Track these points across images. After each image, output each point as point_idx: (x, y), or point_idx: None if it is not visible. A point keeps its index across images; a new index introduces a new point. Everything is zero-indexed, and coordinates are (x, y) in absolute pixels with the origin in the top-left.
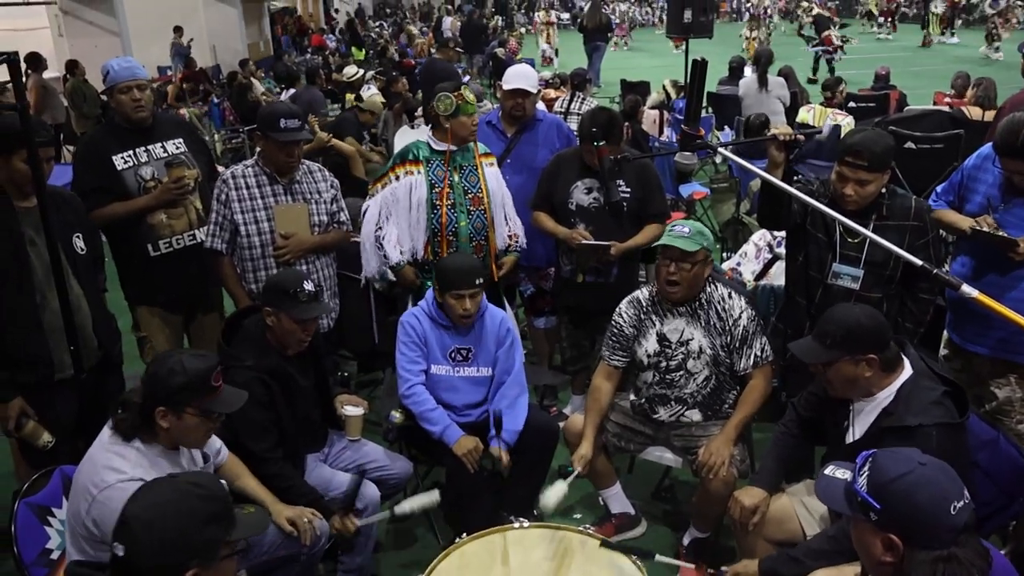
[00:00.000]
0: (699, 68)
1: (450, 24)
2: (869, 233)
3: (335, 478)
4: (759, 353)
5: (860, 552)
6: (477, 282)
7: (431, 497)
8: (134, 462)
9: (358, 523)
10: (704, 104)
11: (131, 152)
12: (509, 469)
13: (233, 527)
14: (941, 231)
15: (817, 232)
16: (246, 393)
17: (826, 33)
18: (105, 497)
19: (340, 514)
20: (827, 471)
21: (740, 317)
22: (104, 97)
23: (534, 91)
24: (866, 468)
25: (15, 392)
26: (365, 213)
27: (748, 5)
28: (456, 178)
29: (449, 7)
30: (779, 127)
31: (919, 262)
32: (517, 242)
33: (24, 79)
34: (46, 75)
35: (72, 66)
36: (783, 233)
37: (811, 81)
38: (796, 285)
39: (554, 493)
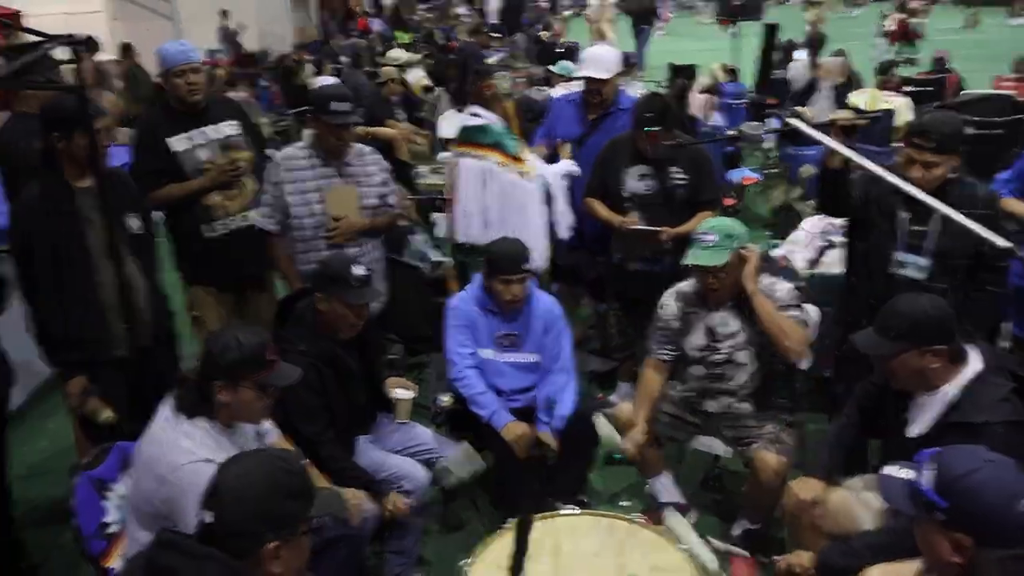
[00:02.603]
0: (769, 33)
1: (494, 7)
2: (945, 208)
3: (385, 459)
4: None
5: (925, 552)
6: (524, 267)
7: (475, 464)
8: (200, 441)
9: (410, 504)
10: (751, 89)
11: (187, 134)
12: (557, 455)
13: (312, 504)
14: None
15: (880, 219)
16: (299, 369)
17: (901, 17)
18: (176, 478)
19: (392, 494)
20: (888, 470)
21: (777, 293)
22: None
23: (607, 76)
24: (930, 466)
25: (77, 369)
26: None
27: None
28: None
29: None
30: (839, 112)
31: (1006, 243)
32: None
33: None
34: (100, 57)
35: (126, 49)
36: (839, 220)
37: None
38: (857, 274)
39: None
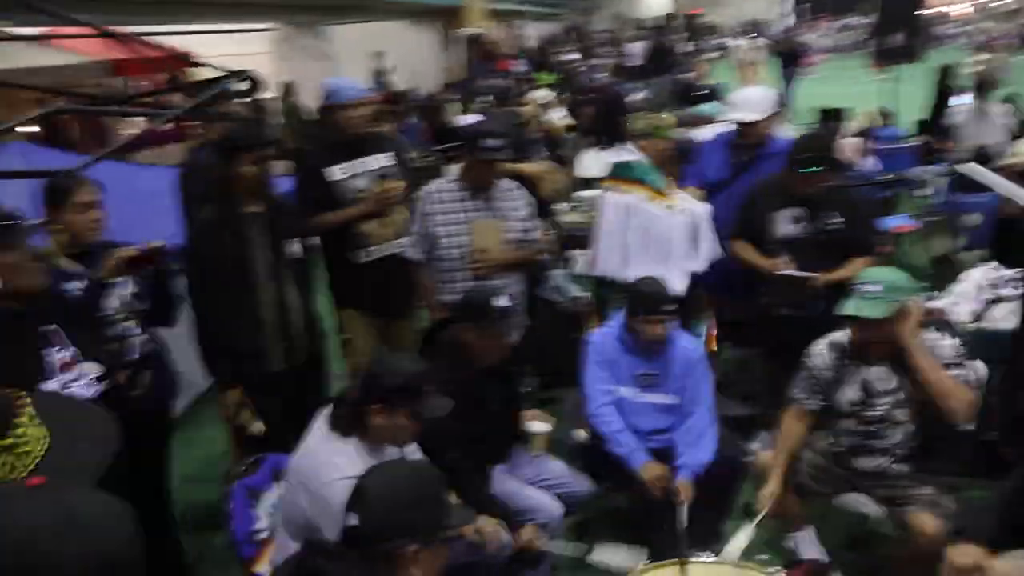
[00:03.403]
0: (945, 72)
1: (638, 49)
2: None
3: (519, 490)
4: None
5: None
6: (667, 308)
7: (633, 559)
8: (350, 459)
9: (543, 545)
10: (910, 134)
11: (347, 164)
12: (691, 503)
13: (450, 514)
14: None
15: None
16: (451, 401)
17: None
18: (326, 492)
19: (528, 527)
20: None
21: (943, 350)
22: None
23: (758, 117)
24: None
25: (235, 382)
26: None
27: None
28: None
29: (638, 31)
30: (1013, 158)
31: None
32: None
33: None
34: (263, 95)
35: (287, 87)
36: (1010, 272)
37: None
38: None
39: (739, 540)
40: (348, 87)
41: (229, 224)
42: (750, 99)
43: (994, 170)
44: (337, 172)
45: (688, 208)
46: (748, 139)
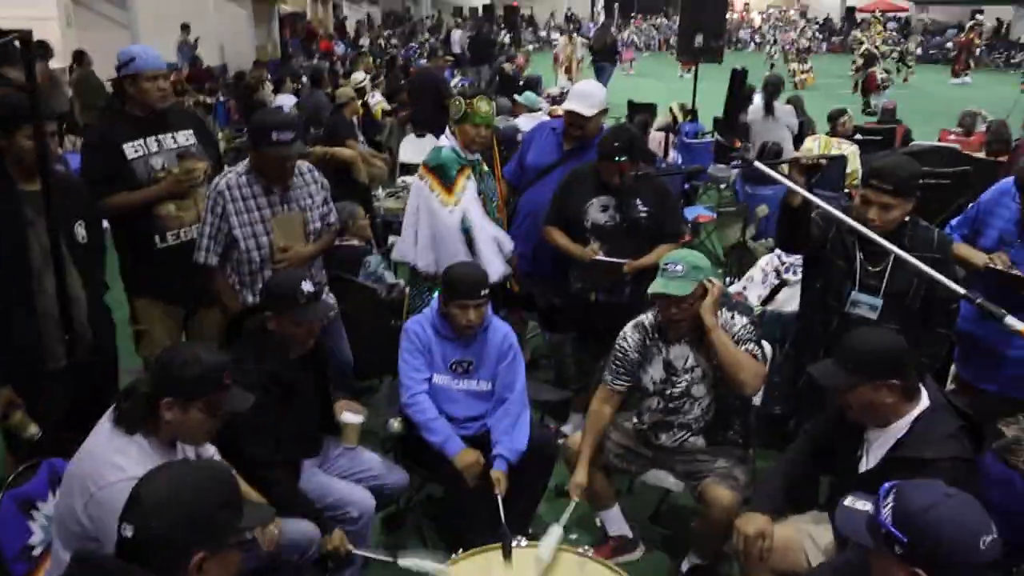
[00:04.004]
0: (738, 78)
1: (459, 38)
2: (897, 251)
3: (330, 485)
4: (748, 350)
5: None
6: (482, 293)
7: (439, 567)
8: (135, 459)
9: (352, 550)
10: (710, 130)
11: (142, 141)
12: (506, 492)
13: (242, 516)
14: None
15: (837, 258)
16: (253, 396)
17: (871, 70)
18: (104, 495)
19: (336, 533)
20: (847, 502)
21: (735, 327)
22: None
23: (589, 114)
24: (890, 499)
25: (3, 381)
26: (465, 221)
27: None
28: (482, 185)
29: (458, 20)
30: (802, 149)
31: (962, 290)
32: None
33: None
34: (52, 64)
35: (79, 56)
36: (791, 259)
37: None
38: (812, 312)
39: (550, 542)
40: (146, 55)
41: (1, 203)
42: (588, 93)
43: (784, 162)
44: (132, 149)
45: (465, 210)
46: (580, 131)
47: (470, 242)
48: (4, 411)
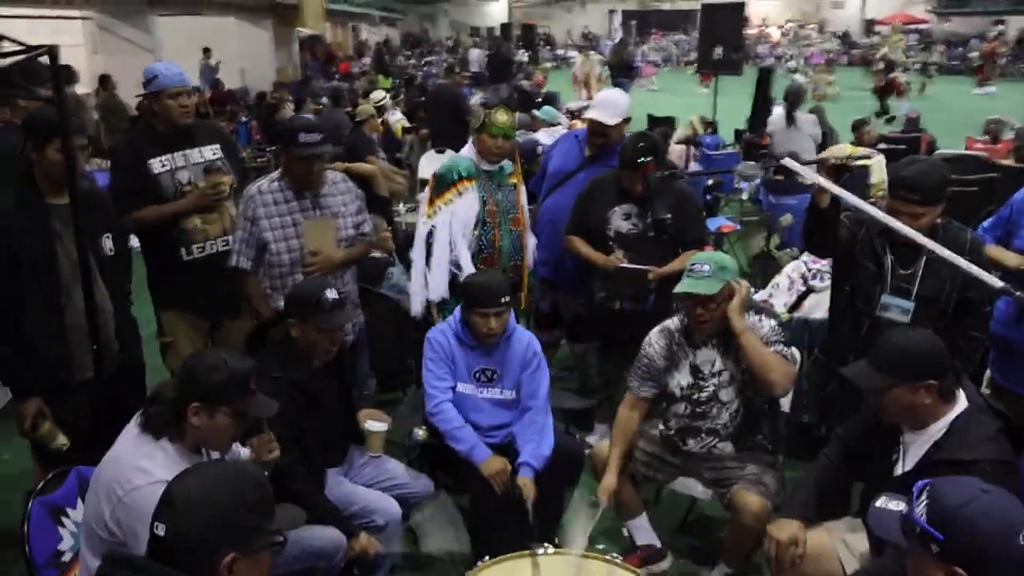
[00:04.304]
0: (764, 76)
1: (477, 56)
2: (931, 243)
3: (355, 493)
4: (778, 351)
5: None
6: (503, 300)
7: (463, 540)
8: (162, 463)
9: (381, 550)
10: (731, 143)
11: (169, 156)
12: (534, 499)
13: (273, 518)
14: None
15: (866, 261)
16: (277, 402)
17: (892, 75)
18: (131, 500)
19: (363, 535)
20: (879, 502)
21: (763, 330)
22: (136, 108)
23: (612, 123)
24: (924, 497)
25: (33, 392)
26: (431, 234)
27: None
28: (499, 196)
29: (476, 39)
30: (830, 150)
31: (998, 283)
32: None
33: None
34: (78, 89)
35: (104, 80)
36: (818, 265)
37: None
38: (841, 316)
39: (582, 533)
40: (168, 73)
41: (29, 216)
42: (612, 102)
43: (811, 162)
44: (158, 164)
45: (435, 225)
46: (602, 139)
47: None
48: (33, 422)
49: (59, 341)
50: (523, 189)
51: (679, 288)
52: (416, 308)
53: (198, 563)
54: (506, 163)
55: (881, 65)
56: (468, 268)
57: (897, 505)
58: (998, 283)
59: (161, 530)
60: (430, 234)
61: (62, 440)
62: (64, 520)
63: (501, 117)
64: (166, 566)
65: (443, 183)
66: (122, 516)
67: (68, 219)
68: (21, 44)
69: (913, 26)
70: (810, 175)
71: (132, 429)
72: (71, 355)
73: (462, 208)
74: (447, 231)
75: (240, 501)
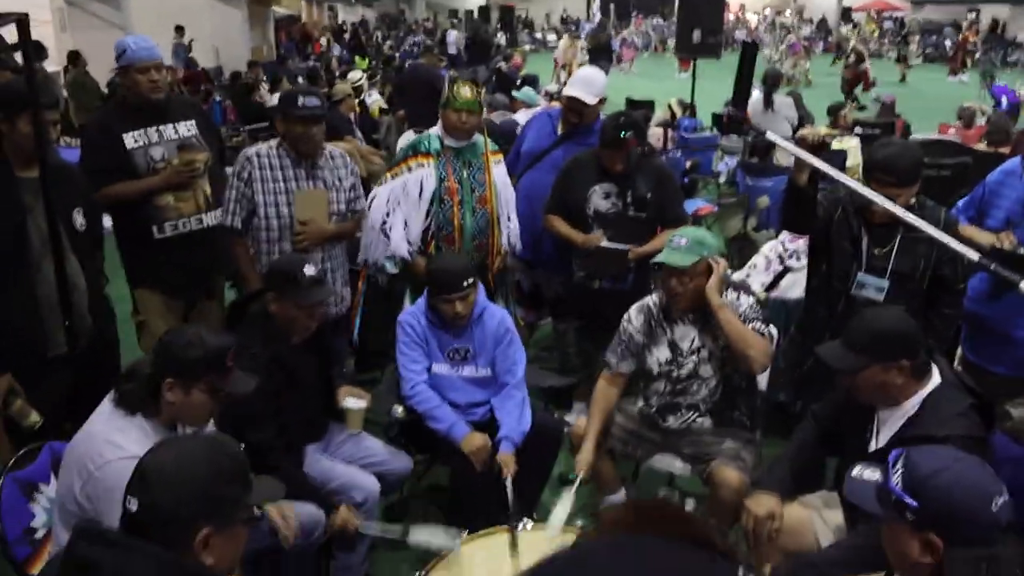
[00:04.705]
0: (748, 51)
1: (455, 38)
2: (910, 216)
3: (334, 469)
4: (756, 328)
5: (893, 555)
6: (465, 284)
7: (450, 542)
8: (135, 439)
9: (361, 526)
10: (709, 125)
11: (142, 131)
12: (514, 475)
13: (251, 492)
14: None
15: (842, 240)
16: (256, 379)
17: (864, 66)
18: (102, 474)
19: (343, 509)
20: (855, 472)
21: (741, 307)
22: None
23: (591, 102)
24: (899, 466)
25: (3, 368)
26: (372, 201)
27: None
28: (464, 174)
29: (454, 21)
30: (807, 130)
31: (975, 255)
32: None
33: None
34: (47, 67)
35: (74, 57)
36: (795, 245)
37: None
38: (817, 295)
39: (561, 509)
40: (136, 47)
41: None
42: (591, 80)
43: (791, 139)
44: (131, 139)
45: (376, 194)
46: (578, 117)
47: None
48: (4, 398)
49: (31, 316)
50: (499, 168)
51: (656, 258)
52: (359, 259)
53: (171, 537)
54: (478, 139)
55: (852, 58)
56: (399, 244)
57: (873, 474)
58: (974, 255)
59: (134, 504)
60: (372, 199)
61: (35, 418)
62: (37, 496)
63: (464, 91)
64: (139, 540)
65: (398, 157)
66: (91, 491)
67: (38, 192)
68: None
69: (888, 13)
70: (790, 148)
71: (106, 405)
72: (43, 330)
73: (411, 183)
74: (384, 201)
75: (215, 472)
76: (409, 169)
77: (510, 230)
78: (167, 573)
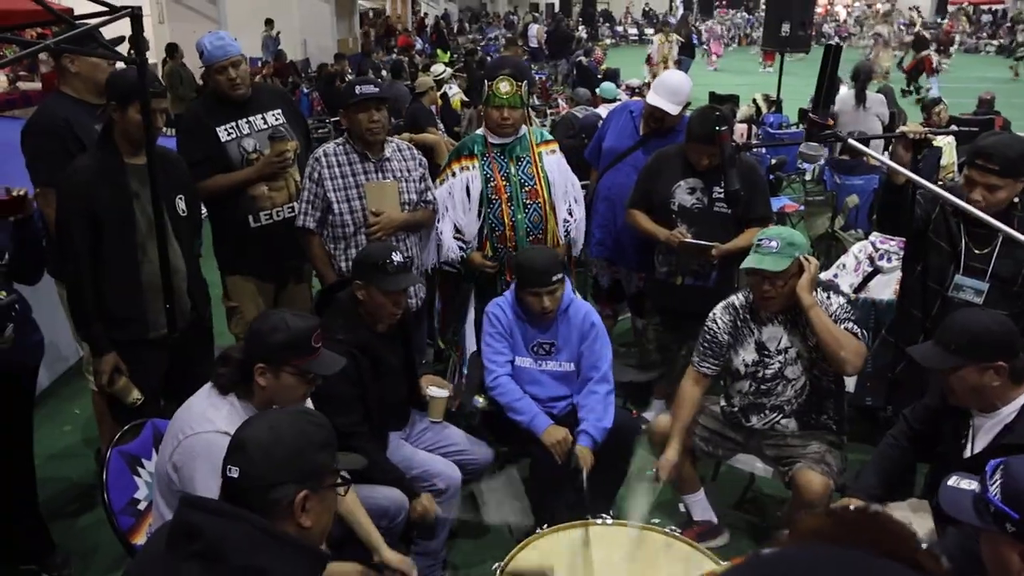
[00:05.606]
0: (832, 53)
1: (536, 31)
2: (1006, 229)
3: (416, 457)
4: (848, 329)
5: (992, 567)
6: (554, 279)
7: (526, 514)
8: (226, 416)
9: (440, 513)
10: (794, 122)
11: (233, 124)
12: (591, 469)
13: (337, 459)
14: None
15: (940, 241)
16: (343, 359)
17: (925, 53)
18: (190, 443)
19: (424, 496)
20: (951, 481)
21: (832, 307)
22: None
23: (674, 112)
24: (998, 476)
25: (110, 348)
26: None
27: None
28: (512, 170)
29: (535, 15)
30: (910, 124)
31: None
32: (572, 223)
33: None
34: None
35: (172, 49)
36: (886, 246)
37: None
38: (912, 296)
39: (641, 504)
40: (211, 47)
41: (108, 174)
42: (676, 89)
43: (891, 136)
44: (224, 132)
45: (435, 195)
46: (658, 124)
47: None
48: (110, 376)
49: (135, 298)
50: (552, 158)
51: (746, 263)
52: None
53: (272, 501)
54: (524, 133)
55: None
56: (450, 245)
57: (969, 484)
58: None
59: (235, 472)
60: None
61: (136, 395)
62: (140, 470)
63: (503, 87)
64: (243, 508)
65: (445, 162)
66: (178, 459)
67: (145, 179)
68: (105, 4)
69: (988, 6)
70: (877, 157)
71: (207, 386)
72: (146, 312)
73: (456, 188)
74: (441, 205)
75: (308, 440)
76: (453, 174)
77: (571, 223)
78: (259, 536)
